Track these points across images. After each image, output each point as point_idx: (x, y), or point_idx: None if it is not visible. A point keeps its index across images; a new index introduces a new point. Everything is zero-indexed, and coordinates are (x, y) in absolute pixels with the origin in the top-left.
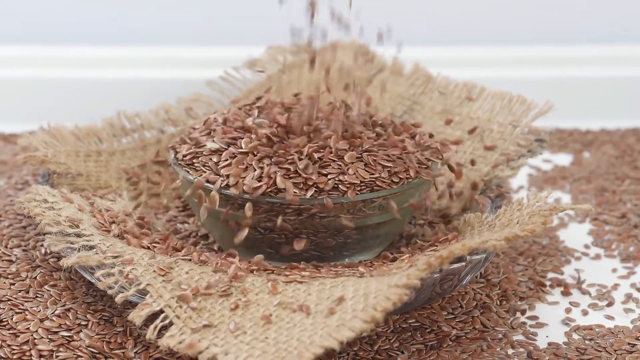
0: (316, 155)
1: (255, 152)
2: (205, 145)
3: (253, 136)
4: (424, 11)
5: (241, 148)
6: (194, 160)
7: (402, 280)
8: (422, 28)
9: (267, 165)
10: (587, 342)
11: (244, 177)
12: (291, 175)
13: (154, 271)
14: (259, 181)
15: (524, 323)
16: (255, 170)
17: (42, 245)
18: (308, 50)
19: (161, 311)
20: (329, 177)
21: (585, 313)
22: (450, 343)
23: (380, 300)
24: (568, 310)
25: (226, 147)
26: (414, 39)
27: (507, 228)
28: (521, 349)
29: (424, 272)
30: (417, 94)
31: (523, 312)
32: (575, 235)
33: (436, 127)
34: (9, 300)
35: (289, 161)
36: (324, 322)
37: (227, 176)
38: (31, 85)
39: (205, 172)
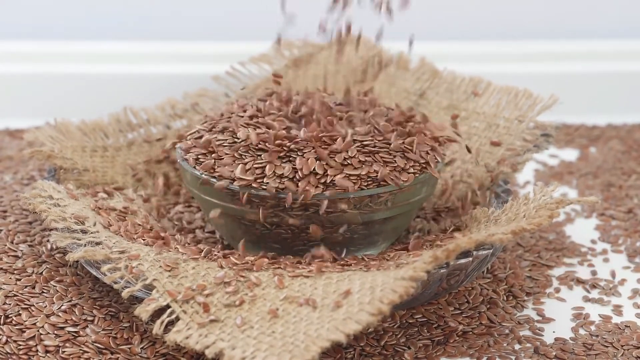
0: (324, 151)
1: (260, 146)
2: (210, 139)
3: (259, 130)
4: (429, 6)
5: (246, 142)
6: (200, 157)
7: (409, 273)
8: (428, 23)
9: (274, 160)
10: (593, 337)
11: (250, 172)
12: (297, 171)
13: (160, 267)
14: (267, 176)
15: (531, 318)
16: (261, 165)
17: (48, 241)
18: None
19: (168, 306)
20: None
21: (592, 308)
22: (457, 338)
23: (386, 292)
24: (574, 306)
25: (231, 141)
26: (419, 34)
27: (514, 222)
28: (528, 345)
29: (430, 264)
30: (423, 89)
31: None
32: (582, 230)
33: (442, 122)
34: (15, 295)
35: (295, 156)
36: (331, 316)
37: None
38: (37, 80)
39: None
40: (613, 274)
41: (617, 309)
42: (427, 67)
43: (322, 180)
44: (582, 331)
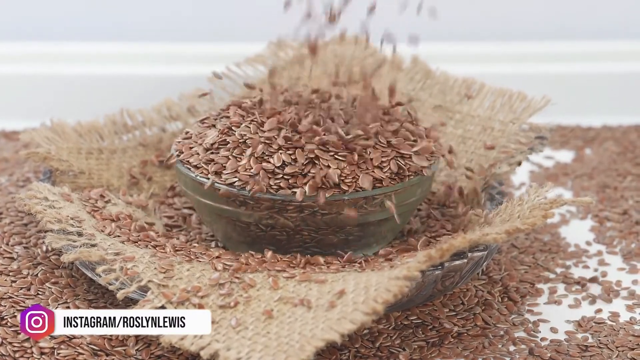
0: (318, 153)
1: (256, 148)
2: (205, 140)
3: (254, 131)
4: (424, 6)
5: (243, 143)
6: (191, 159)
7: (403, 272)
8: (422, 23)
9: (269, 162)
10: (588, 339)
11: (245, 174)
12: (292, 173)
13: (155, 268)
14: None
15: (526, 320)
16: (256, 166)
17: (43, 243)
18: (309, 44)
19: (163, 308)
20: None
21: (587, 310)
22: (452, 340)
23: (380, 292)
24: (570, 307)
25: (226, 142)
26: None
27: (508, 222)
28: (523, 346)
29: (424, 264)
30: (416, 89)
31: (524, 308)
32: (577, 232)
33: (436, 124)
34: (10, 297)
35: (291, 158)
36: (325, 316)
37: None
38: (32, 81)
39: (206, 169)
40: (608, 276)
41: (612, 311)
42: (420, 66)
43: (321, 184)
44: (577, 333)
